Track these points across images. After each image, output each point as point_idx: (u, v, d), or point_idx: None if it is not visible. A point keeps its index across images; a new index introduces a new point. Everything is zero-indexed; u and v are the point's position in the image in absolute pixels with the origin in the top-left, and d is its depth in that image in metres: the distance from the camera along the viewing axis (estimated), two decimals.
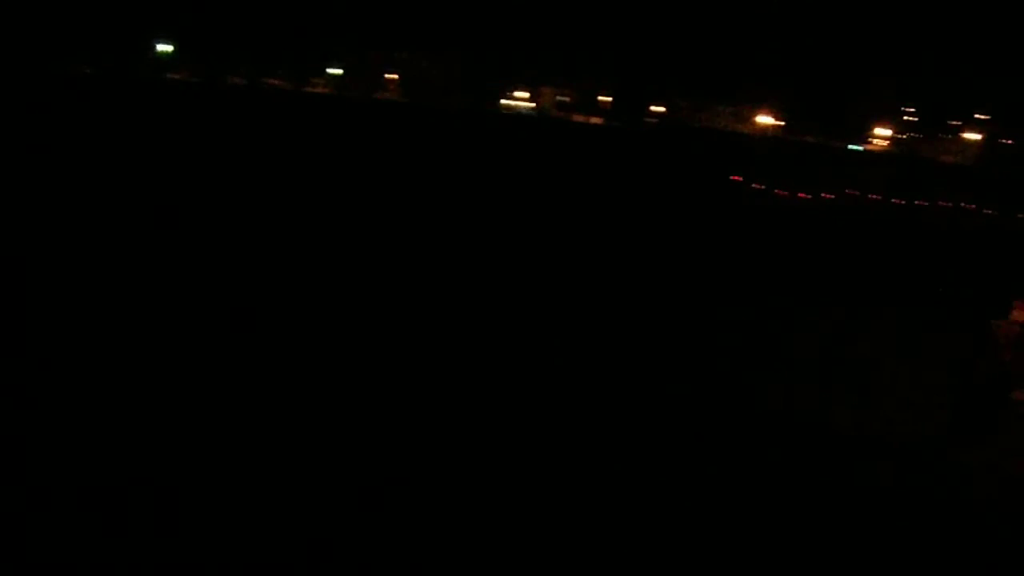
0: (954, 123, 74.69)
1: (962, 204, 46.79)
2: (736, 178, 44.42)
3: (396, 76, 72.88)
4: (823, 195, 43.37)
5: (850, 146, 67.73)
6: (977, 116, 71.68)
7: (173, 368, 10.37)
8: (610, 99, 71.68)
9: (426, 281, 16.04)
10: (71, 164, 25.12)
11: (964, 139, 74.45)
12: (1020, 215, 45.25)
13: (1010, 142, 68.04)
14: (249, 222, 20.20)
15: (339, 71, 70.72)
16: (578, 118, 69.58)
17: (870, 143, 73.56)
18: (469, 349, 12.54)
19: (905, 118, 73.08)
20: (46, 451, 7.88)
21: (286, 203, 23.52)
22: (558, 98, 74.40)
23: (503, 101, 73.09)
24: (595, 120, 69.26)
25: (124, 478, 7.55)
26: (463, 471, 8.63)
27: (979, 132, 74.69)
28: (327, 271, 16.46)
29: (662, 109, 71.37)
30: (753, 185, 43.93)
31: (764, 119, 71.77)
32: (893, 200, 44.80)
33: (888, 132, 74.84)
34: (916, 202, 44.99)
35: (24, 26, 53.81)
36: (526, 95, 75.88)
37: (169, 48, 64.58)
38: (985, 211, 46.41)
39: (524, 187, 32.32)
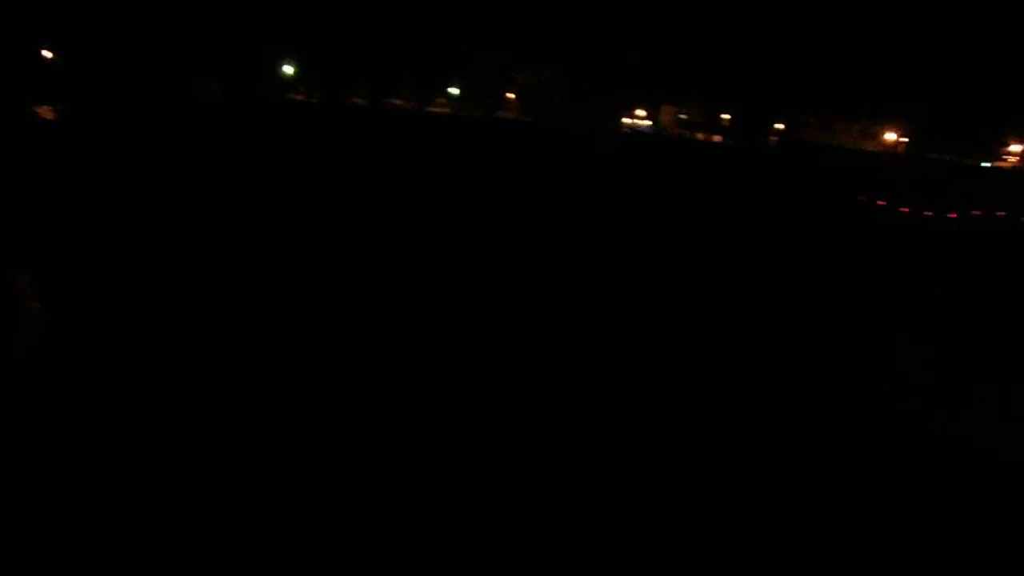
0: None
1: None
2: (861, 196, 43.75)
3: (514, 95, 73.54)
4: (950, 214, 42.12)
5: (983, 163, 65.68)
6: None
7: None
8: (729, 116, 71.12)
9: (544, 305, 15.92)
10: (199, 176, 25.90)
11: None
12: None
13: None
14: (373, 237, 20.44)
15: (458, 91, 71.69)
16: (700, 136, 69.17)
17: (1004, 160, 71.26)
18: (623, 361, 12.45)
19: None
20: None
21: (412, 217, 23.72)
22: (680, 116, 74.15)
23: (624, 120, 73.14)
24: (716, 138, 68.70)
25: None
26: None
27: None
28: (461, 285, 16.47)
29: (781, 126, 70.53)
30: (878, 202, 43.12)
31: (891, 136, 70.29)
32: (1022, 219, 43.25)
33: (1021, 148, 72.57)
34: None
35: (158, 50, 55.99)
36: (644, 113, 75.80)
37: (292, 70, 66.28)
38: None
39: (644, 204, 32.12)
